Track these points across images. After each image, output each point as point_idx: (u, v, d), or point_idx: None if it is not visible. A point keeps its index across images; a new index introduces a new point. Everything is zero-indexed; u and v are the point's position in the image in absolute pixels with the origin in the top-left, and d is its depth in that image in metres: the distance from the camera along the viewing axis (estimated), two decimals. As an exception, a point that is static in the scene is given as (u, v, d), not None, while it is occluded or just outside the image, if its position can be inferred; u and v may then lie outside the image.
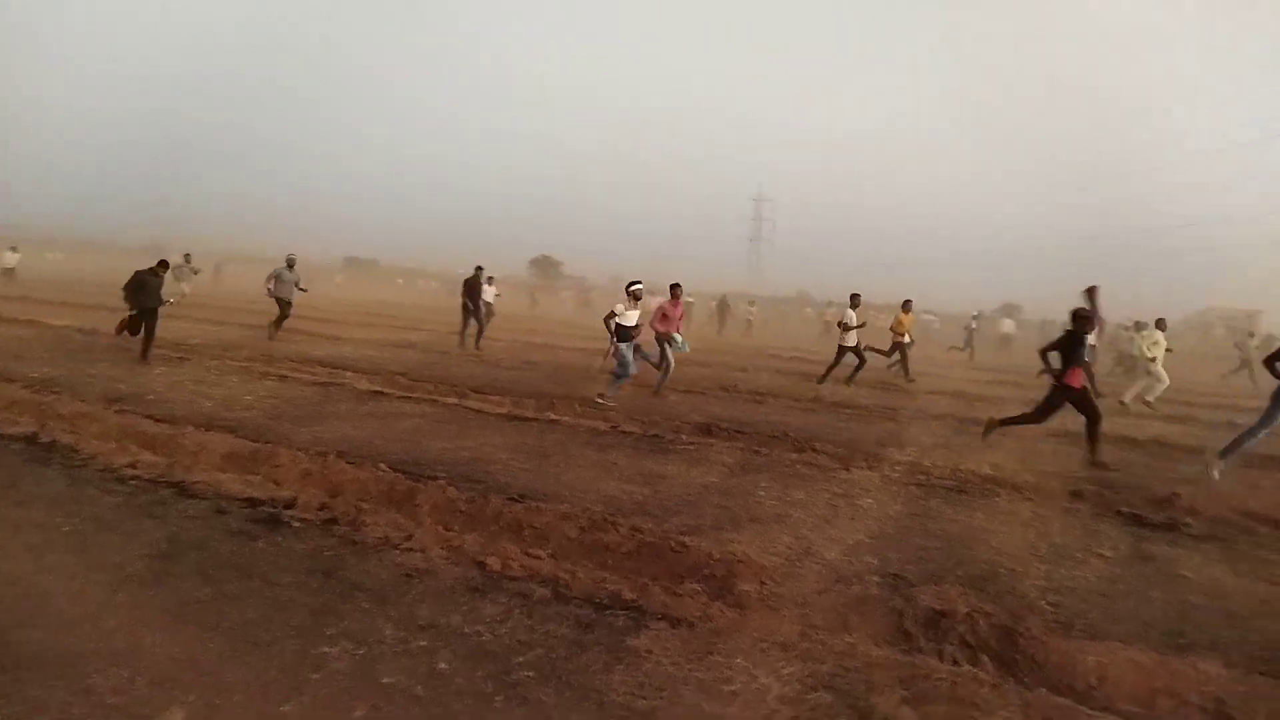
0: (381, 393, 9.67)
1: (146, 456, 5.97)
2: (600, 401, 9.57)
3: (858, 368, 14.01)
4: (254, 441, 6.50)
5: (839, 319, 15.07)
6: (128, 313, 10.87)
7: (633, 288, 10.38)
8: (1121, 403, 12.87)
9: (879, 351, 15.97)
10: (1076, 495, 6.50)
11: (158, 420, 7.17)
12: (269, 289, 15.43)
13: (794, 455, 7.57)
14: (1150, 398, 13.19)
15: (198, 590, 3.72)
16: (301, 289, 16.08)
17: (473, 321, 16.13)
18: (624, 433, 8.14)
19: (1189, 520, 5.89)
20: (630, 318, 10.20)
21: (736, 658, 3.33)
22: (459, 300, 16.49)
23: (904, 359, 15.62)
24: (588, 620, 3.62)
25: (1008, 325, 34.03)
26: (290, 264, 15.67)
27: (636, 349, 10.50)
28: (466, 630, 3.45)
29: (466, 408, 9.05)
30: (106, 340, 12.38)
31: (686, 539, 4.65)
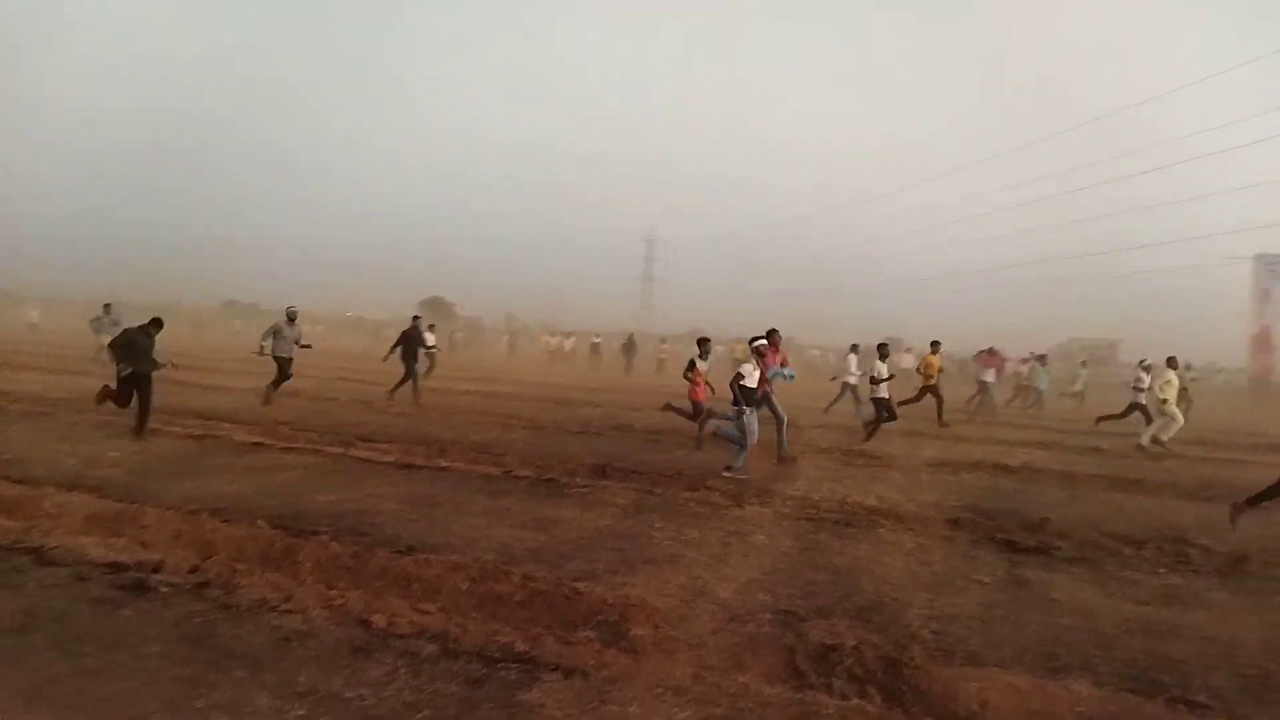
0: (262, 444, 9.25)
1: (1, 522, 5.51)
2: (729, 475, 8.53)
3: (878, 421, 12.45)
4: (120, 501, 6.08)
5: (870, 374, 14.75)
6: (118, 376, 9.59)
7: (757, 343, 9.61)
8: (1139, 446, 12.64)
9: (910, 401, 15.26)
10: (955, 524, 6.78)
11: (14, 481, 6.62)
12: (263, 347, 13.68)
13: (688, 494, 7.63)
14: (1165, 437, 12.74)
15: (55, 666, 3.43)
16: (304, 346, 14.14)
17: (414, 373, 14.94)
18: (517, 477, 8.04)
19: (1059, 544, 6.23)
20: (755, 378, 9.22)
21: (631, 705, 3.29)
22: (382, 349, 15.83)
23: (939, 402, 14.88)
24: (478, 676, 3.51)
25: (907, 360, 34.15)
26: (291, 318, 13.89)
27: (709, 412, 10.50)
28: (349, 695, 3.29)
29: (353, 457, 8.75)
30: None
31: (580, 585, 4.59)
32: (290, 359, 13.79)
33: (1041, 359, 22.06)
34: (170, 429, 9.98)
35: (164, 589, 4.43)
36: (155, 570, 4.69)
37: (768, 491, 7.75)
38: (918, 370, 16.05)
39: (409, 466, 8.34)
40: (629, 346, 33.90)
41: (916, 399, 15.37)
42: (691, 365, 11.21)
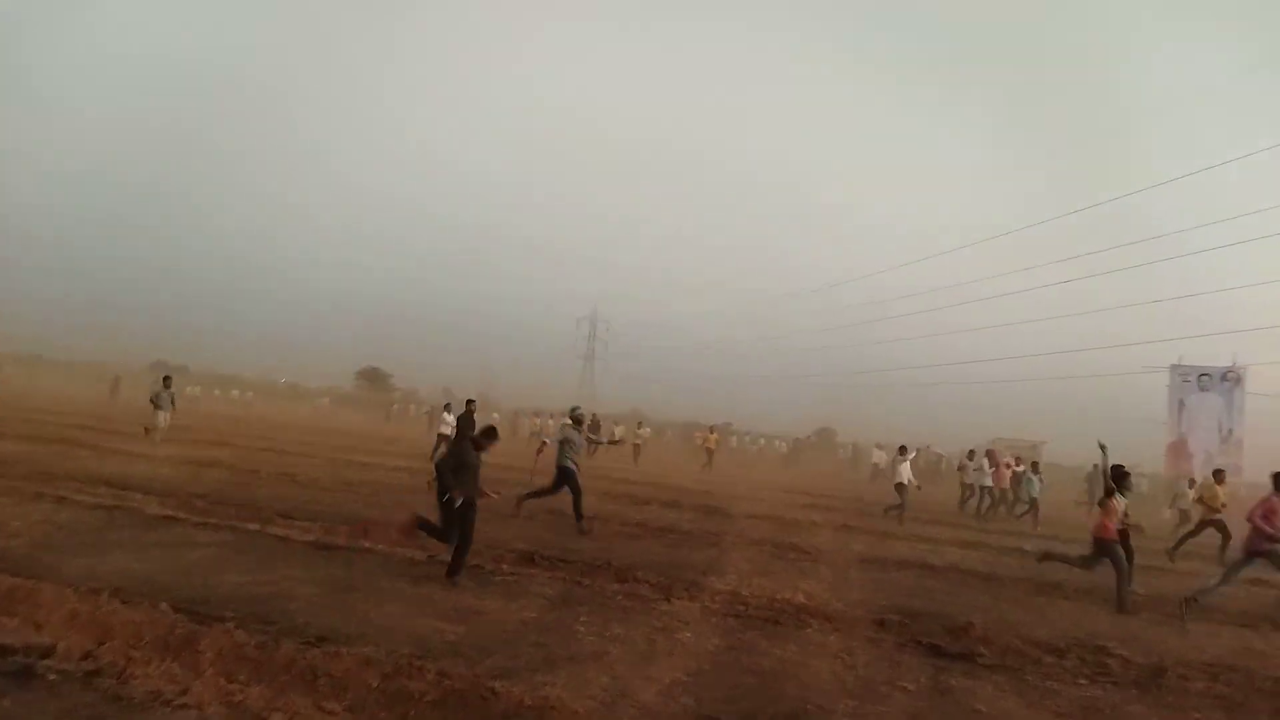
0: (174, 518, 8.83)
1: None
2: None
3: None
4: (14, 576, 5.71)
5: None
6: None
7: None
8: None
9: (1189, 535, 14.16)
10: (881, 625, 6.77)
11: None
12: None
13: (616, 586, 7.49)
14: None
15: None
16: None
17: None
18: (442, 563, 7.79)
19: (983, 650, 6.24)
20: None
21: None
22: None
23: (1224, 539, 13.64)
24: (381, 784, 3.33)
25: (878, 455, 33.66)
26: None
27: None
28: (239, 804, 3.08)
29: (270, 535, 8.40)
30: None
31: (498, 684, 4.42)
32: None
33: (1034, 466, 20.46)
34: (79, 497, 9.50)
35: (51, 677, 4.15)
36: (44, 656, 4.39)
37: (696, 585, 7.66)
38: (1199, 500, 15.07)
39: (328, 547, 8.04)
40: (594, 428, 32.47)
41: (1195, 533, 14.19)
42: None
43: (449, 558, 7.25)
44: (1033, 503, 18.51)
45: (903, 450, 17.76)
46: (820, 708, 4.70)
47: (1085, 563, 8.96)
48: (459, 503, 7.18)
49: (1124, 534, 8.86)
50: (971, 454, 20.54)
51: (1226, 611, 8.73)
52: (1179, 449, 35.91)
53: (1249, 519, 8.80)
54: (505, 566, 7.85)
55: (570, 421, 11.36)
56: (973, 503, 19.53)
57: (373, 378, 72.75)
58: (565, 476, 11.05)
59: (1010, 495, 20.04)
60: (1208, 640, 7.42)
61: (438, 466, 7.64)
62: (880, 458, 33.08)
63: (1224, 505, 13.87)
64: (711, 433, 30.89)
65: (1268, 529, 8.59)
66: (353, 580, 6.78)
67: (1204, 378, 36.02)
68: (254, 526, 8.74)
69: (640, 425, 35.71)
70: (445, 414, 20.12)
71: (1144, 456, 36.70)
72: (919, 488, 18.07)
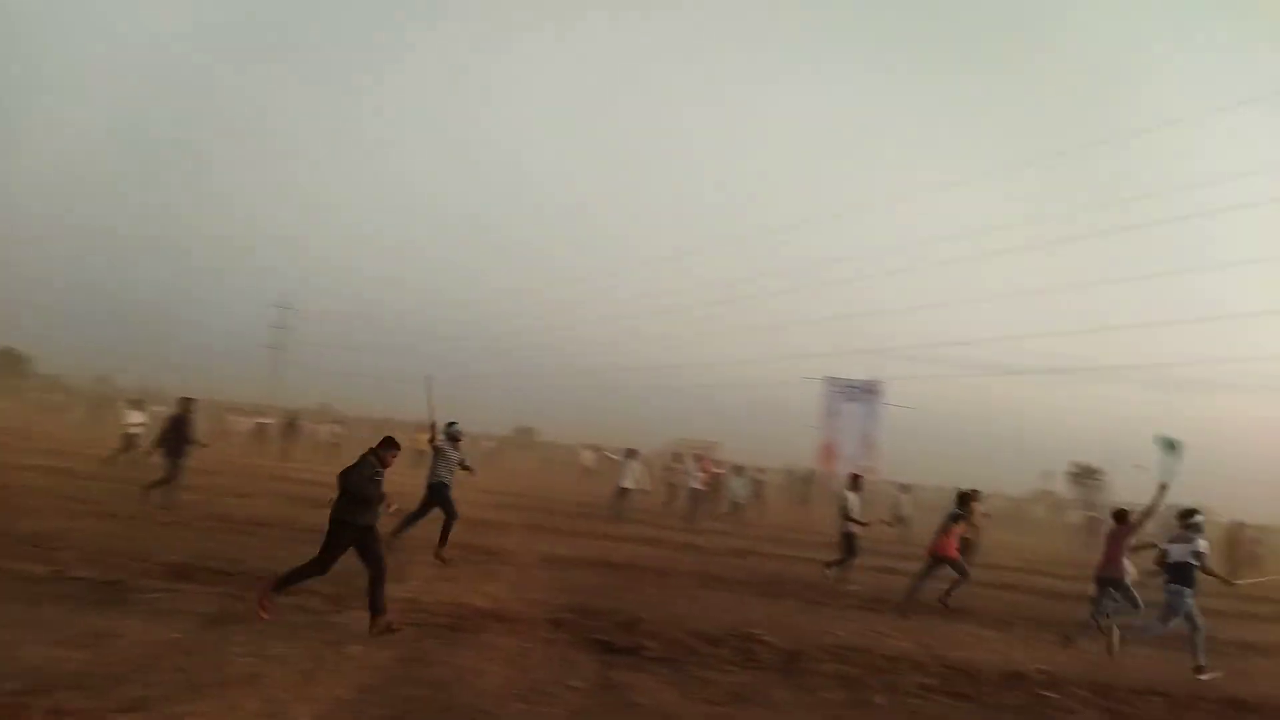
0: None
1: None
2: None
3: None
4: None
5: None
6: None
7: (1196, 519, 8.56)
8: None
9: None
10: (558, 624, 6.94)
11: None
12: None
13: (283, 600, 6.94)
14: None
15: None
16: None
17: None
18: (71, 579, 6.78)
19: (649, 644, 6.62)
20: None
21: None
22: None
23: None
24: None
25: (586, 456, 33.65)
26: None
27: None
28: None
29: None
30: None
31: (124, 717, 3.92)
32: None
33: (737, 469, 21.41)
34: None
35: None
36: None
37: (375, 593, 7.34)
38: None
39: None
40: (290, 428, 29.44)
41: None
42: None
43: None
44: (735, 505, 20.07)
45: (630, 453, 18.49)
46: (489, 714, 4.71)
47: (963, 578, 10.08)
48: (358, 528, 6.42)
49: (960, 549, 10.30)
50: (679, 457, 21.67)
51: (860, 597, 10.09)
52: (829, 450, 41.09)
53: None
54: (153, 582, 6.99)
55: (446, 438, 10.16)
56: (678, 504, 20.55)
57: (5, 359, 61.22)
58: (435, 494, 9.91)
59: (712, 497, 21.08)
60: (838, 624, 8.47)
61: (340, 483, 6.47)
62: (588, 458, 34.01)
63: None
64: (422, 434, 29.24)
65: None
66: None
67: (851, 389, 41.61)
68: None
69: (336, 422, 33.44)
70: (132, 412, 18.08)
71: (804, 456, 41.72)
72: (647, 492, 18.81)
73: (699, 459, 21.83)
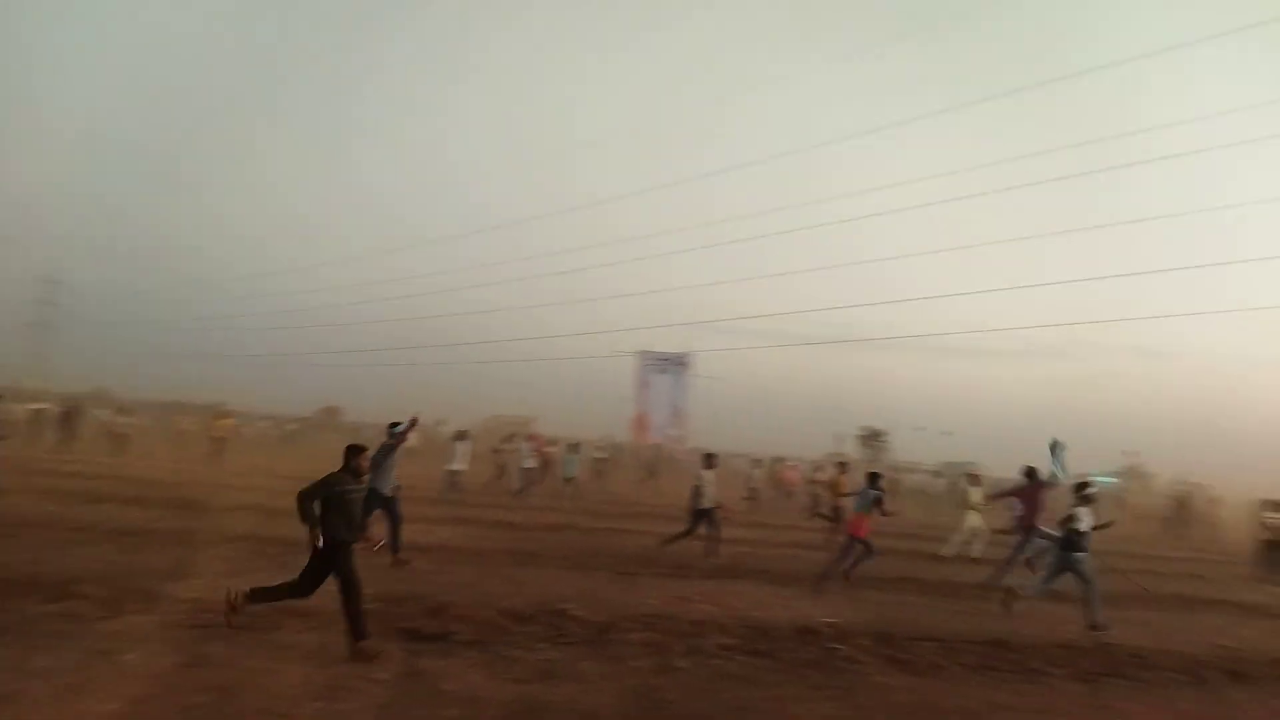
0: None
1: None
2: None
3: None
4: None
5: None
6: None
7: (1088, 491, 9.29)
8: None
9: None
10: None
11: None
12: None
13: (48, 607, 6.24)
14: None
15: None
16: None
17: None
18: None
19: (458, 628, 6.48)
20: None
21: None
22: None
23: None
24: None
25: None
26: None
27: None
28: None
29: None
30: None
31: None
32: None
33: (573, 447, 21.78)
34: None
35: None
36: None
37: (154, 594, 6.74)
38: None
39: None
40: (71, 417, 25.12)
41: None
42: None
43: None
44: (570, 480, 20.41)
45: (461, 435, 18.28)
46: (283, 716, 4.45)
47: (868, 554, 10.36)
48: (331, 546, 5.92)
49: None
50: (510, 438, 21.66)
51: (672, 564, 10.38)
52: (642, 421, 42.05)
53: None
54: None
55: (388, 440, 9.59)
56: (505, 481, 20.45)
57: None
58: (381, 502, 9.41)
59: (545, 475, 21.09)
60: (650, 592, 8.68)
61: (299, 497, 5.96)
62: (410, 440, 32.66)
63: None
64: (222, 419, 25.93)
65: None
66: None
67: (662, 361, 42.69)
68: None
69: (124, 410, 28.60)
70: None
71: (617, 429, 42.48)
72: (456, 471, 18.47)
73: (531, 438, 21.91)
